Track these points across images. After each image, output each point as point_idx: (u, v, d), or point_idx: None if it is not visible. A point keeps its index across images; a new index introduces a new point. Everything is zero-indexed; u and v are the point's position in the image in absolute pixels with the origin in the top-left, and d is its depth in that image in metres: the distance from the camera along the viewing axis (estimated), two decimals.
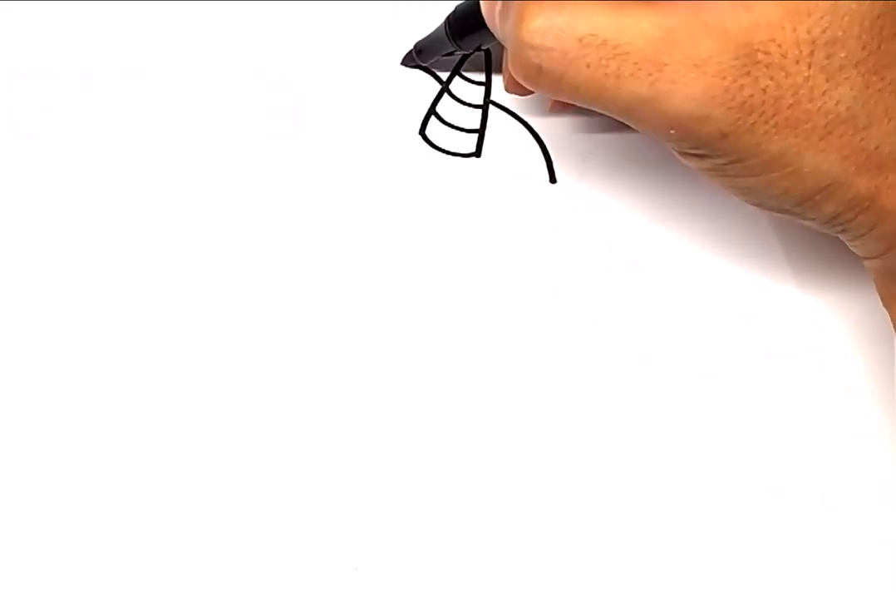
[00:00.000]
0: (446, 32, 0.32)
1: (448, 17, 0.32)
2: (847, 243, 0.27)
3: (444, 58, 0.34)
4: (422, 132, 0.35)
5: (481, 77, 0.36)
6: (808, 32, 0.22)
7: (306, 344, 0.33)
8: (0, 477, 0.31)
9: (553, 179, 0.34)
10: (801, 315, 0.33)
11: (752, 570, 0.31)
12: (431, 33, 0.34)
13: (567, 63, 0.23)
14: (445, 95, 0.36)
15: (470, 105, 0.35)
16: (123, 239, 0.34)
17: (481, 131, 0.35)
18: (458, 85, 0.36)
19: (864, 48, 0.23)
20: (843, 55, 0.22)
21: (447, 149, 0.35)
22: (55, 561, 0.30)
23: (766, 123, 0.23)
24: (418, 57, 0.35)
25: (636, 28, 0.23)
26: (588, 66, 0.23)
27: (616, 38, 0.23)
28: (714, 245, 0.34)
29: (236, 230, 0.34)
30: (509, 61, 0.25)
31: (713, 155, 0.24)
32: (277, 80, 0.36)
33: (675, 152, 0.26)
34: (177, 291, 0.33)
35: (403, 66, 0.35)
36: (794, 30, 0.22)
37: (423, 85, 0.36)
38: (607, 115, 0.25)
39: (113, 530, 0.31)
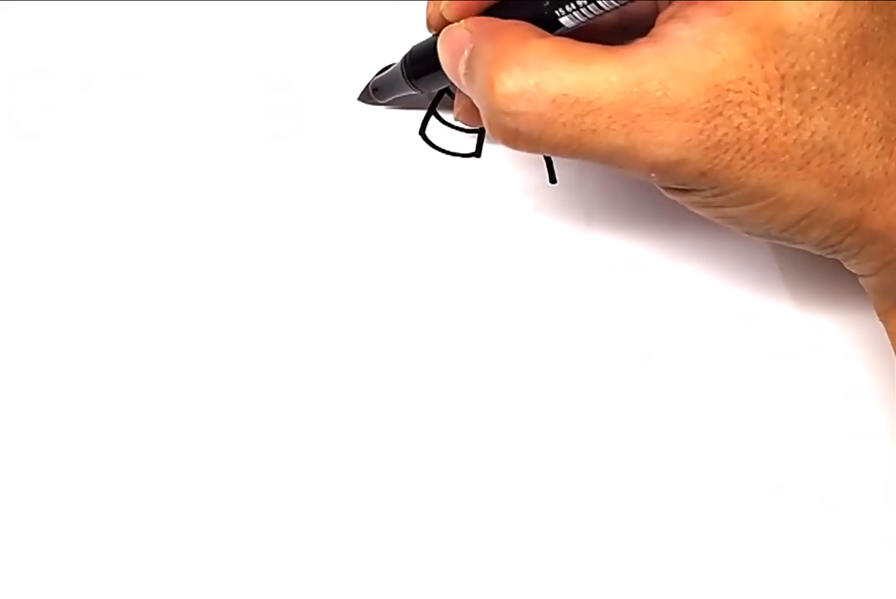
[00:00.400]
0: (403, 73, 0.31)
1: (404, 57, 0.31)
2: (842, 262, 0.27)
3: (403, 97, 0.33)
4: (422, 132, 0.35)
5: None
6: (777, 69, 0.22)
7: (306, 344, 0.33)
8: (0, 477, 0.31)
9: (553, 180, 0.34)
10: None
11: (753, 570, 0.31)
12: (388, 71, 0.33)
13: (544, 124, 0.24)
14: (445, 96, 0.35)
15: None
16: (124, 239, 0.34)
17: (481, 131, 0.35)
18: None
19: (834, 79, 0.23)
20: (813, 88, 0.23)
21: (447, 149, 0.35)
22: (55, 561, 0.30)
23: (744, 158, 0.23)
24: (374, 95, 0.34)
25: (605, 83, 0.23)
26: (564, 124, 0.23)
27: (587, 96, 0.23)
28: (713, 246, 0.34)
29: (236, 230, 0.34)
30: (485, 123, 0.25)
31: (696, 190, 0.25)
32: (277, 80, 0.36)
33: (659, 188, 0.26)
34: (176, 291, 0.33)
35: (361, 102, 0.35)
36: (763, 67, 0.22)
37: None
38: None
39: (113, 530, 0.31)
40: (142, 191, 0.34)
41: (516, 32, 0.25)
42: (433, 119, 0.35)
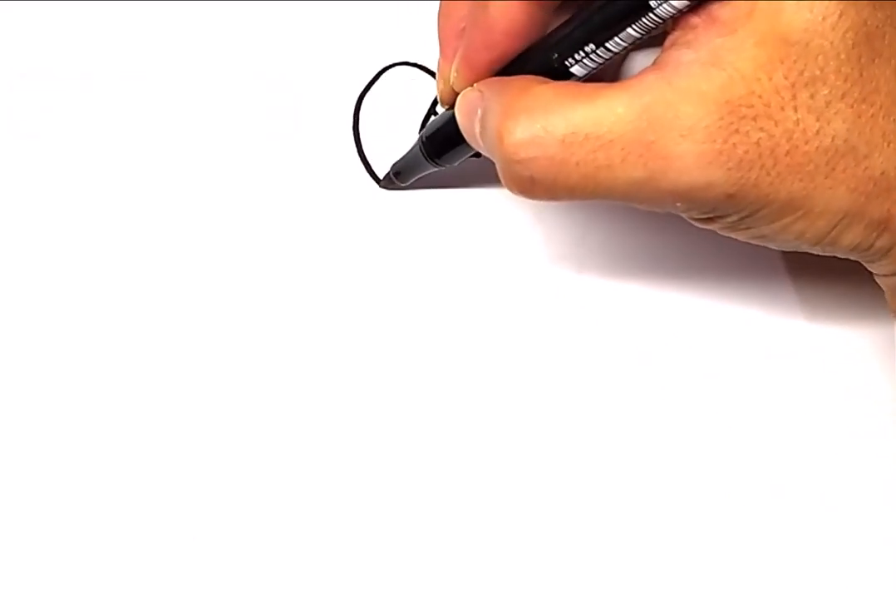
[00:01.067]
0: (423, 153, 0.31)
1: (421, 138, 0.31)
2: (863, 263, 0.27)
3: (426, 175, 0.33)
4: (421, 132, 0.35)
5: None
6: (785, 78, 0.22)
7: (306, 343, 0.33)
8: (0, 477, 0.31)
9: None
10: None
11: (753, 570, 0.31)
12: (406, 154, 0.33)
13: (557, 167, 0.23)
14: None
15: None
16: (124, 239, 0.34)
17: None
18: None
19: (845, 80, 0.22)
20: (826, 92, 0.22)
21: None
22: (55, 561, 0.30)
23: (769, 174, 0.23)
24: (397, 179, 0.34)
25: (612, 115, 0.23)
26: (577, 164, 0.23)
27: (596, 130, 0.23)
28: (719, 251, 0.34)
29: (236, 230, 0.34)
30: (501, 178, 0.25)
31: (723, 215, 0.24)
32: (277, 80, 0.36)
33: (686, 218, 0.26)
34: (176, 291, 0.33)
35: (384, 189, 0.34)
36: (771, 79, 0.22)
37: (424, 85, 0.36)
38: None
39: (113, 530, 0.31)
40: (142, 191, 0.34)
41: (520, 83, 0.25)
42: (433, 119, 0.35)
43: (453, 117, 0.28)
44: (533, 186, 0.24)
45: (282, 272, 0.33)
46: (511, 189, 0.25)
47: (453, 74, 0.27)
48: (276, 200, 0.34)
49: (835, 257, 0.26)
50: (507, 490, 0.31)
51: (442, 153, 0.31)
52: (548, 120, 0.23)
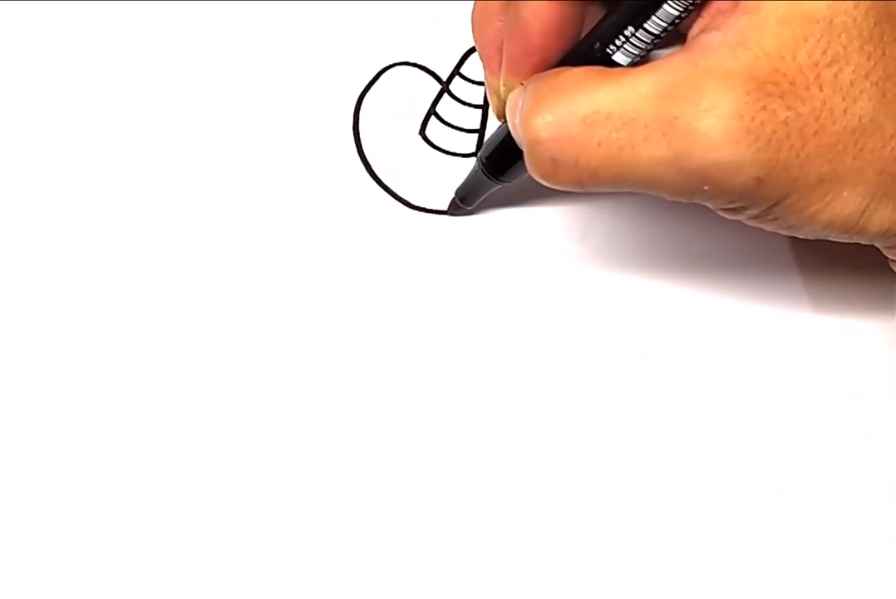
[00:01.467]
0: (483, 173, 0.30)
1: (479, 159, 0.31)
2: (883, 251, 0.27)
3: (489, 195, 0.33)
4: (422, 132, 0.35)
5: (481, 77, 0.36)
6: (809, 57, 0.22)
7: (305, 343, 0.32)
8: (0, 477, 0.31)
9: None
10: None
11: (753, 570, 0.31)
12: (467, 177, 0.32)
13: (578, 148, 0.23)
14: (445, 95, 0.36)
15: (470, 105, 0.35)
16: (124, 239, 0.34)
17: (481, 131, 0.35)
18: (458, 85, 0.36)
19: (868, 58, 0.22)
20: (850, 70, 0.22)
21: (447, 149, 0.35)
22: (55, 561, 0.30)
23: (798, 156, 0.22)
24: (463, 203, 0.33)
25: (636, 93, 0.22)
26: (599, 144, 0.23)
27: (619, 109, 0.22)
28: (721, 243, 0.34)
29: (235, 230, 0.34)
30: (527, 164, 0.24)
31: (750, 205, 0.24)
32: (277, 80, 0.36)
33: (713, 208, 0.25)
34: (175, 291, 0.33)
35: (452, 216, 0.34)
36: (795, 57, 0.22)
37: (424, 85, 0.36)
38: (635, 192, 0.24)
39: (112, 530, 0.30)
40: (141, 191, 0.34)
41: (555, 70, 0.24)
42: (433, 119, 0.35)
43: (510, 131, 0.27)
44: (555, 168, 0.24)
45: (280, 272, 0.33)
46: (535, 174, 0.24)
47: (502, 87, 0.27)
48: (276, 200, 0.34)
49: (845, 249, 0.26)
50: (518, 482, 0.31)
51: (504, 169, 0.30)
52: (572, 100, 0.23)
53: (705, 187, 0.23)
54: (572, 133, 0.23)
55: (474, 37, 0.28)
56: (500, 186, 0.31)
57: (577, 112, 0.23)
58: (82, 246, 0.33)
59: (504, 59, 0.27)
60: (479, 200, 0.33)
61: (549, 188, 0.24)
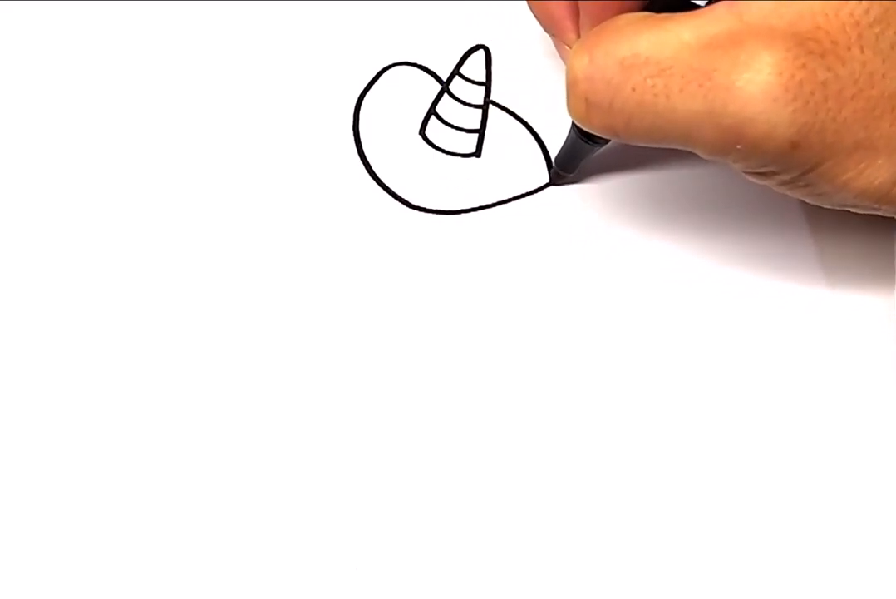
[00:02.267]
0: (580, 137, 0.30)
1: (573, 125, 0.30)
2: None
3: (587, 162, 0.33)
4: (422, 132, 0.35)
5: (481, 77, 0.36)
6: (851, 15, 0.22)
7: (306, 343, 0.32)
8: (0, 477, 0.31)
9: (553, 180, 0.34)
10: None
11: (753, 570, 0.31)
12: (563, 145, 0.32)
13: (613, 90, 0.23)
14: (445, 95, 0.36)
15: (470, 105, 0.35)
16: (124, 239, 0.34)
17: (481, 131, 0.35)
18: (458, 85, 0.36)
19: None
20: (892, 32, 0.22)
21: (447, 149, 0.35)
22: (55, 561, 0.30)
23: (835, 120, 0.22)
24: (563, 171, 0.33)
25: (677, 40, 0.22)
26: (634, 89, 0.22)
27: (658, 54, 0.22)
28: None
29: (235, 230, 0.34)
30: (567, 106, 0.24)
31: (783, 170, 0.23)
32: (278, 80, 0.36)
33: (741, 172, 0.25)
34: (175, 291, 0.33)
35: (554, 186, 0.34)
36: (837, 15, 0.22)
37: (423, 85, 0.36)
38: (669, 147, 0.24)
39: (112, 530, 0.30)
40: (141, 191, 0.34)
41: (610, 14, 0.24)
42: (433, 119, 0.35)
43: None
44: (588, 110, 0.23)
45: (280, 272, 0.33)
46: (571, 115, 0.24)
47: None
48: (276, 200, 0.34)
49: (862, 221, 0.25)
50: (521, 477, 0.31)
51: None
52: (613, 42, 0.23)
53: (738, 146, 0.23)
54: (607, 75, 0.23)
55: (537, 15, 0.28)
56: (598, 150, 0.31)
57: (615, 54, 0.23)
58: (82, 246, 0.33)
59: (583, 24, 0.26)
60: (579, 168, 0.33)
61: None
